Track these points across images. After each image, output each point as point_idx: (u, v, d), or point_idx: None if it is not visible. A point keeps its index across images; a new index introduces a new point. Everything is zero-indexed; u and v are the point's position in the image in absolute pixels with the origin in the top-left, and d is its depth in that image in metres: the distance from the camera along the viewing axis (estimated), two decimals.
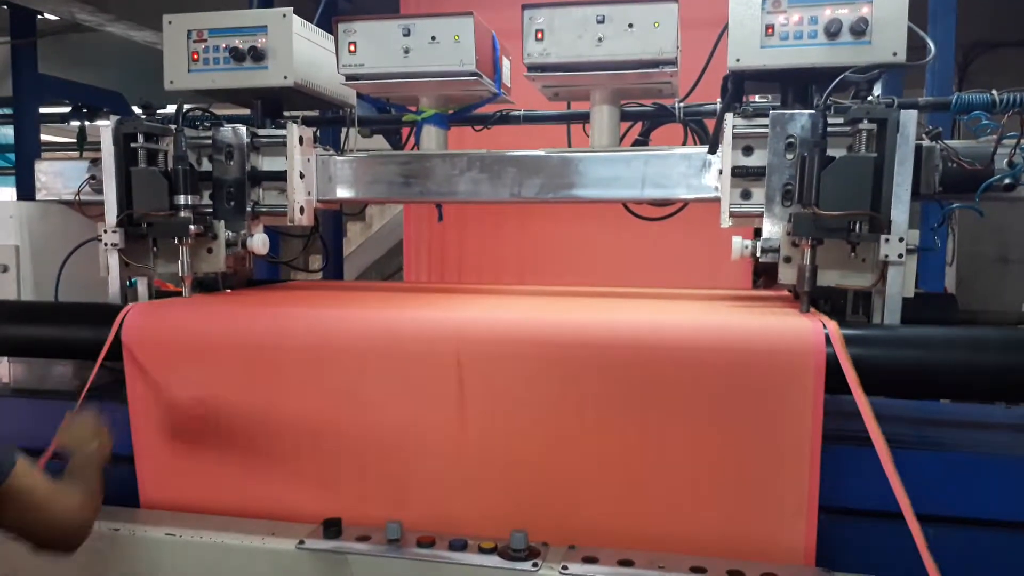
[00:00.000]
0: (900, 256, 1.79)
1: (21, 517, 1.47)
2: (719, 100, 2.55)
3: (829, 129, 1.86)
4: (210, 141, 2.30)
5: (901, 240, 1.78)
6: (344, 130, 2.60)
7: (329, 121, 2.80)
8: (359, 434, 1.87)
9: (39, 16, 5.34)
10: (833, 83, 1.84)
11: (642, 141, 2.69)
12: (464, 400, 1.80)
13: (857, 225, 1.81)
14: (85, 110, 5.99)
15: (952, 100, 2.14)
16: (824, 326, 1.67)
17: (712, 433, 1.70)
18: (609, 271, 3.78)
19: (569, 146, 2.74)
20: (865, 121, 1.79)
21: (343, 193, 2.44)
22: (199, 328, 2.00)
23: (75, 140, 6.40)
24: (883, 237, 1.79)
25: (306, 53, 2.33)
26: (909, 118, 1.78)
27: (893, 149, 1.77)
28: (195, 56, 2.32)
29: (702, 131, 2.63)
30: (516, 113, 2.74)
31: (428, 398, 1.82)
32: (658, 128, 2.73)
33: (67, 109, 6.15)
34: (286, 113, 2.51)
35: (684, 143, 2.63)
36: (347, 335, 1.89)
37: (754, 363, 1.67)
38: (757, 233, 2.06)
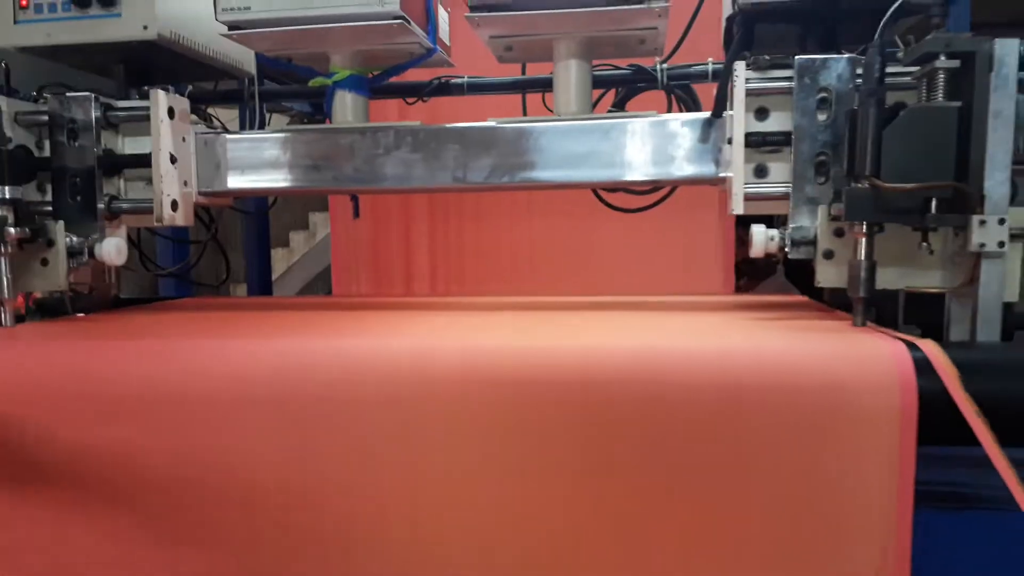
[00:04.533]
0: (1002, 244, 1.26)
1: None
2: (710, 60, 2.09)
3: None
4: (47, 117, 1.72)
5: (1003, 222, 1.26)
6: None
7: (222, 96, 2.23)
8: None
9: None
10: (893, 7, 1.33)
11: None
12: (432, 450, 1.24)
13: (932, 204, 1.30)
14: None
15: None
16: (909, 347, 1.15)
17: (761, 495, 1.17)
18: (565, 272, 3.27)
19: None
20: (943, 57, 1.28)
21: (235, 183, 1.87)
22: (19, 370, 1.40)
23: None
24: (976, 218, 1.27)
25: None
26: (1008, 51, 1.26)
27: (985, 95, 1.26)
28: (23, 2, 1.73)
29: (689, 98, 2.13)
30: (458, 81, 2.20)
31: (376, 450, 1.26)
32: (634, 97, 2.22)
33: None
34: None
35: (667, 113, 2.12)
36: (221, 376, 1.32)
37: (811, 404, 1.14)
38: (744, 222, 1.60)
